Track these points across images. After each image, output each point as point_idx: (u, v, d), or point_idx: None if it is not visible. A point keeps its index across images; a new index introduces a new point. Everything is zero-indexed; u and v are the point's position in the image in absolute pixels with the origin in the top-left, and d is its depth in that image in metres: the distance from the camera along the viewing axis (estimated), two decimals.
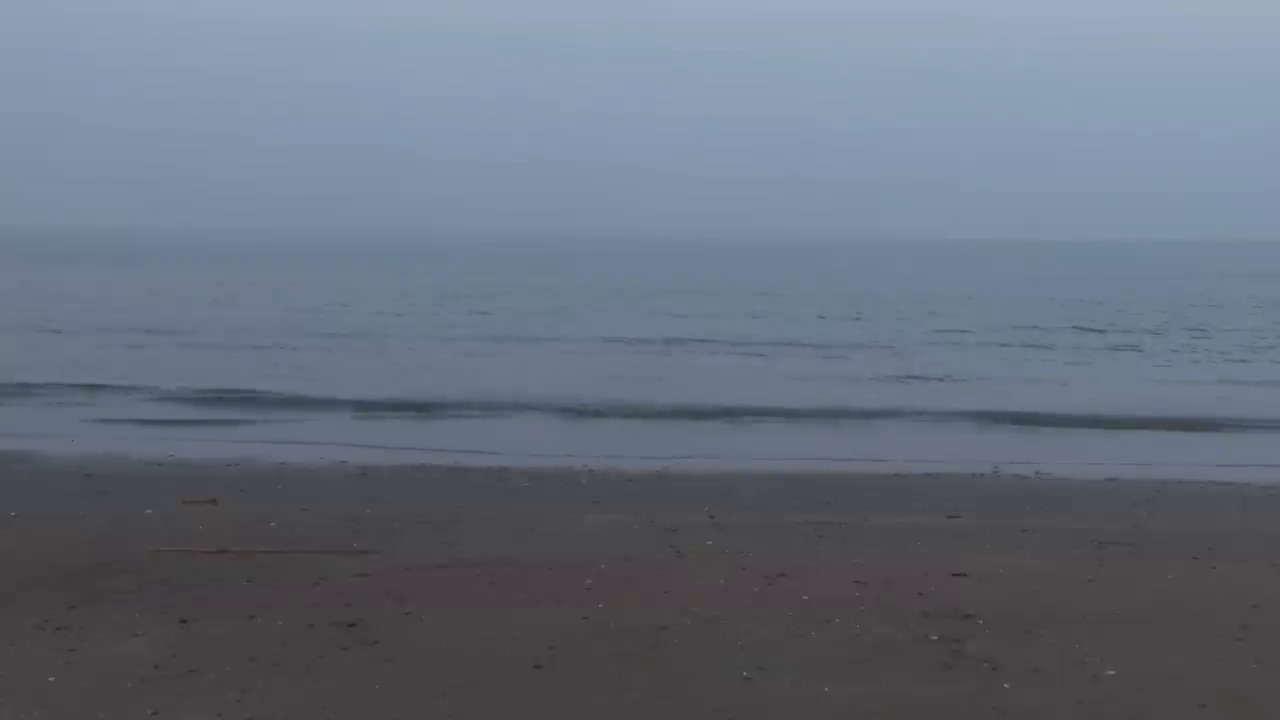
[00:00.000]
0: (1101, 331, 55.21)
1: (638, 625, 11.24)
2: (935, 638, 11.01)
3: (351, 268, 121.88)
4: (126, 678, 9.89)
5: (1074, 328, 56.71)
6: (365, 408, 30.69)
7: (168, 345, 45.26)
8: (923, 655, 10.57)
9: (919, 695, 9.68)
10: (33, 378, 34.50)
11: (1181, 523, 16.84)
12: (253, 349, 44.13)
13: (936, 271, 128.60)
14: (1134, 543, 15.21)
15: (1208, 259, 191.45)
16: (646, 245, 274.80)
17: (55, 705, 9.36)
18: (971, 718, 9.32)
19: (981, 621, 11.47)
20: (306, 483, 19.84)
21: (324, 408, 30.66)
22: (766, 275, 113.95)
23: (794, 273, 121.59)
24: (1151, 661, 10.47)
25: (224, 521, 15.70)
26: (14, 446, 23.33)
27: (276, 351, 43.43)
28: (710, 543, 14.90)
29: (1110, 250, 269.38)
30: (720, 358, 44.01)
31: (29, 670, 10.04)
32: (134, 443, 24.29)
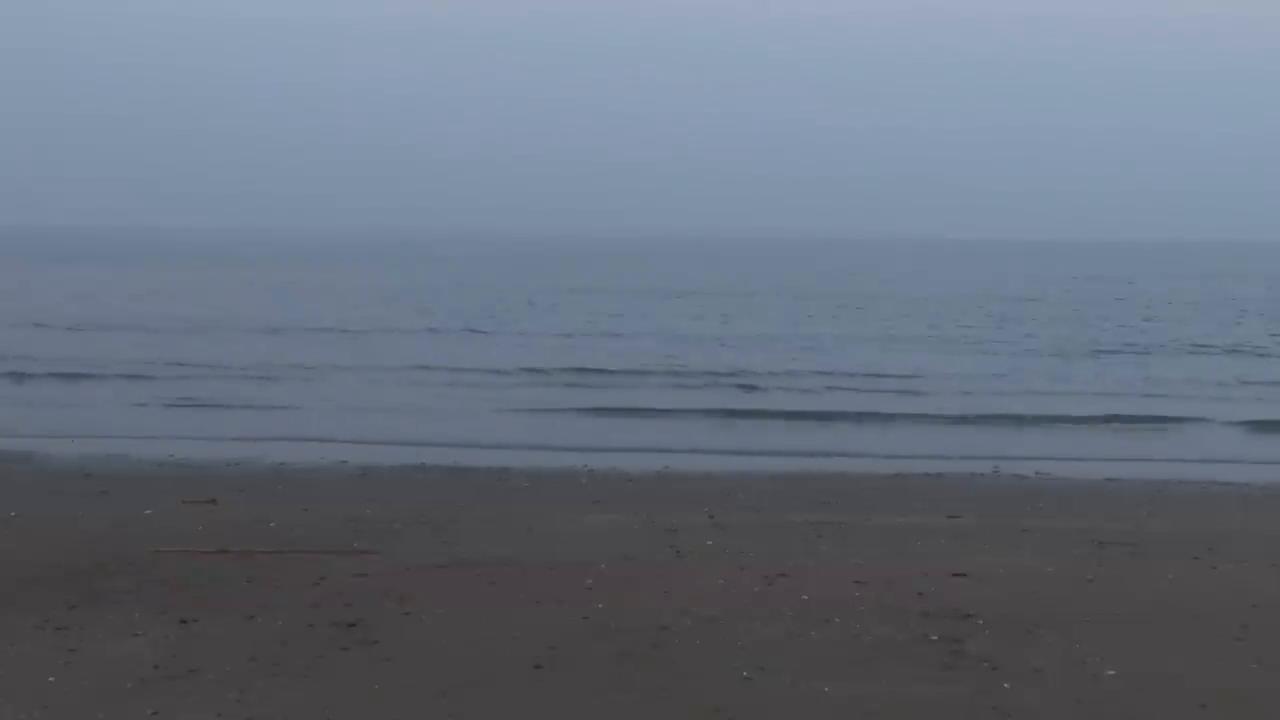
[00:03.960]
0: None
1: (638, 625, 11.24)
2: (935, 638, 11.01)
3: (337, 268, 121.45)
4: (126, 678, 9.89)
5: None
6: None
7: None
8: (923, 655, 10.57)
9: (919, 695, 9.68)
10: None
11: (1181, 523, 16.84)
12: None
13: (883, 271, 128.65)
14: (1134, 543, 15.21)
15: (1201, 260, 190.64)
16: (638, 244, 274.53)
17: (55, 705, 9.37)
18: (971, 718, 9.32)
19: (981, 621, 11.47)
20: (306, 483, 19.85)
21: None
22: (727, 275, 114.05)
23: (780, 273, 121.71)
24: (1151, 661, 10.47)
25: (224, 521, 15.70)
26: (14, 446, 23.33)
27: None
28: (710, 543, 14.90)
29: (1109, 250, 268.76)
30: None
31: (29, 670, 10.05)
32: (134, 443, 24.28)
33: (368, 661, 10.31)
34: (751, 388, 35.23)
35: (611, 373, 38.11)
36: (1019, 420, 29.74)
